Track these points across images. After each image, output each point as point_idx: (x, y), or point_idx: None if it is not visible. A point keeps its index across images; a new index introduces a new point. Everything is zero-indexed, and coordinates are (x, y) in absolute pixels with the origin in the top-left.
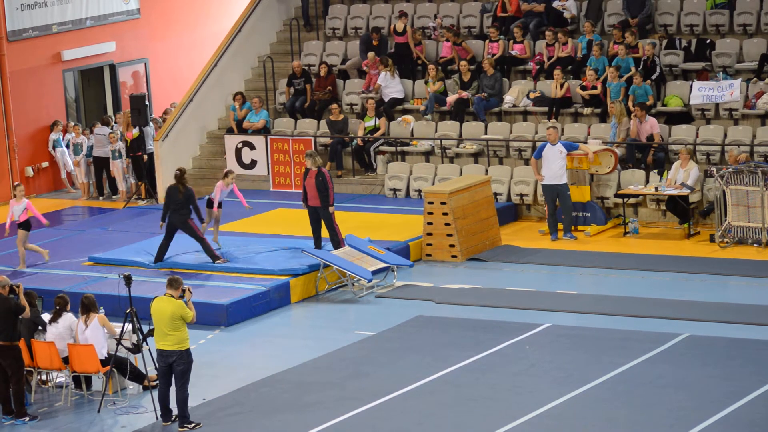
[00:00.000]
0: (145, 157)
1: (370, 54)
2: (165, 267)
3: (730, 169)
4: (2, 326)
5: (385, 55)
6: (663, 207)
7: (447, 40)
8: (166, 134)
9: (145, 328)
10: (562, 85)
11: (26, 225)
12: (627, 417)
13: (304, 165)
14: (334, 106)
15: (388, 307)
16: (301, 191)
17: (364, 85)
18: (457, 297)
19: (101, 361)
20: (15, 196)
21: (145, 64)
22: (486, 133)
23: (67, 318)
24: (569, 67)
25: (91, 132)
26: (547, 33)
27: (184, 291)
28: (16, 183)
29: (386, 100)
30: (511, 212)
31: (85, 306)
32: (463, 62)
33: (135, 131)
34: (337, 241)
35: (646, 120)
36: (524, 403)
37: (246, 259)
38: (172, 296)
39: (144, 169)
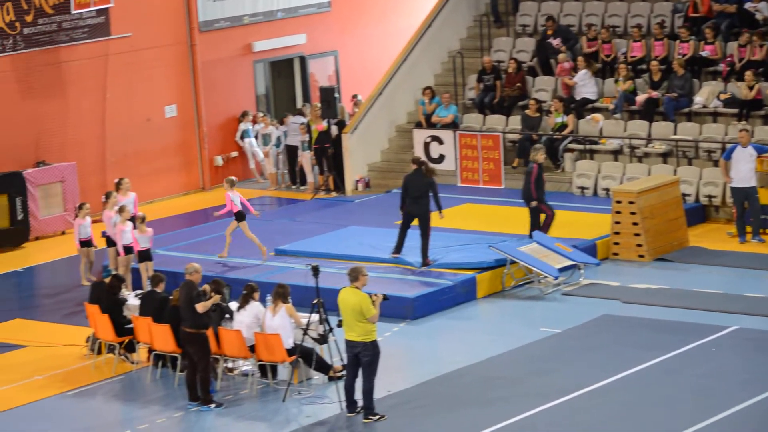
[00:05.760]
0: (330, 150)
1: (562, 56)
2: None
3: None
4: (188, 314)
5: (587, 56)
6: None
7: (635, 40)
8: (355, 127)
9: (333, 320)
10: (752, 87)
11: (240, 215)
12: None
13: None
14: (532, 101)
15: (574, 305)
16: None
17: (564, 90)
18: (644, 297)
19: (287, 350)
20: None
21: (335, 56)
22: (675, 134)
23: (255, 306)
24: (761, 70)
25: (282, 123)
26: (742, 35)
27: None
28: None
29: (578, 98)
30: (699, 213)
31: (279, 294)
32: (653, 62)
33: (324, 124)
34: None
35: None
36: (709, 406)
37: (433, 253)
38: (357, 288)
39: (331, 162)
